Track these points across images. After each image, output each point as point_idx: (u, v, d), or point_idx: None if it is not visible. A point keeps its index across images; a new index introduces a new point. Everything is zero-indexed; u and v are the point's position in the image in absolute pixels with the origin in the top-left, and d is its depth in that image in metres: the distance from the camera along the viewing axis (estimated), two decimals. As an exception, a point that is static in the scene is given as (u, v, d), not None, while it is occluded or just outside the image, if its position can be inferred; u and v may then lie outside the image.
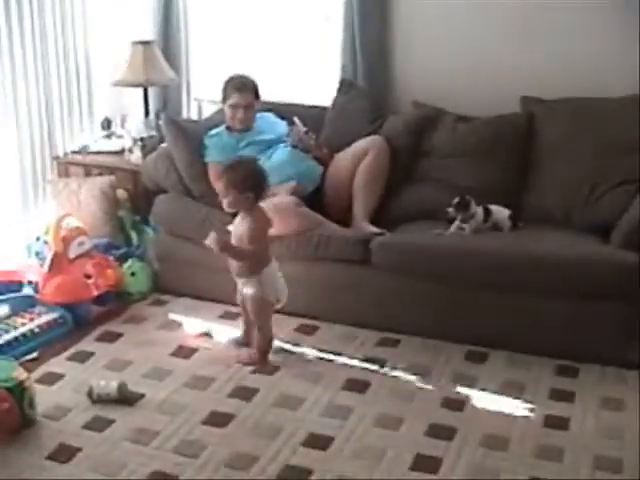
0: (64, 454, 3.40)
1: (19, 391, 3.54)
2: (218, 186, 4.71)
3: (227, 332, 4.45)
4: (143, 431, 3.56)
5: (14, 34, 5.01)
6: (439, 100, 5.00)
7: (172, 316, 4.65)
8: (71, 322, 4.45)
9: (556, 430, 3.55)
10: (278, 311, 4.25)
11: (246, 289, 4.07)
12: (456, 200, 4.43)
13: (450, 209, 4.43)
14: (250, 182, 4.00)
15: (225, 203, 4.05)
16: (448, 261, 4.25)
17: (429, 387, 3.91)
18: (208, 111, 5.82)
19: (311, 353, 4.23)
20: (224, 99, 4.92)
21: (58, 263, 4.57)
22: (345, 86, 5.22)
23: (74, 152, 5.57)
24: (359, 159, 4.73)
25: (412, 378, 3.98)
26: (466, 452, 3.40)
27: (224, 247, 3.96)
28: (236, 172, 4.02)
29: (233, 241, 4.05)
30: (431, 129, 4.93)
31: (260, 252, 4.03)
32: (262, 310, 4.08)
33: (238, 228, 4.06)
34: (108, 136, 5.75)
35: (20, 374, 3.60)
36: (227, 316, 4.62)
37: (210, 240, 3.93)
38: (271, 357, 4.17)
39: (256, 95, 4.92)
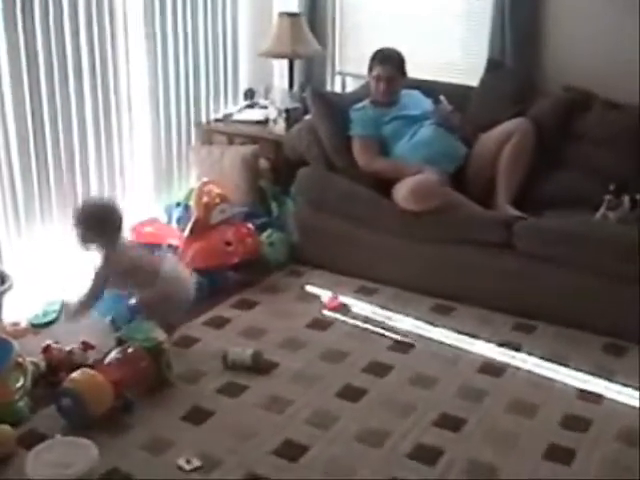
0: (198, 416, 3.47)
1: (157, 352, 3.62)
2: (362, 159, 4.74)
3: (363, 307, 4.44)
4: (276, 399, 3.59)
5: (167, 6, 5.10)
6: (589, 84, 4.86)
7: (309, 288, 4.67)
8: (207, 288, 4.49)
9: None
10: (413, 289, 4.24)
11: None
12: (612, 187, 4.30)
13: (607, 196, 4.30)
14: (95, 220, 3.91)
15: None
16: (594, 250, 4.12)
17: (565, 376, 3.82)
18: (352, 85, 5.81)
19: (446, 334, 4.18)
20: (369, 71, 4.91)
21: (199, 229, 4.63)
22: (493, 66, 5.12)
23: (217, 120, 5.64)
24: (504, 141, 4.65)
25: (548, 366, 3.90)
26: (601, 446, 3.31)
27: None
28: (79, 211, 3.97)
29: None
30: (580, 114, 4.80)
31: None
32: None
33: None
34: (251, 106, 5.80)
35: (159, 335, 3.68)
36: (363, 291, 4.62)
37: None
38: (405, 336, 4.15)
39: (401, 70, 4.89)
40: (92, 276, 3.89)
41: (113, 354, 3.59)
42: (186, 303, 4.04)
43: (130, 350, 3.58)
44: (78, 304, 3.89)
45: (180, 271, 4.12)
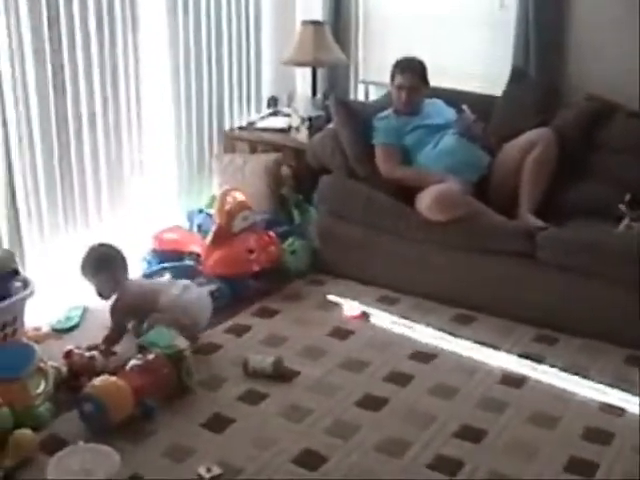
0: (218, 424, 3.47)
1: (178, 359, 3.63)
2: (384, 168, 4.74)
3: (385, 316, 4.44)
4: (296, 408, 3.59)
5: (190, 13, 5.13)
6: (612, 93, 4.83)
7: (330, 297, 4.66)
8: (228, 295, 4.50)
9: None
10: (435, 299, 4.24)
11: None
12: (628, 197, 4.28)
13: (621, 206, 4.28)
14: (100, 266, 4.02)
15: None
16: (618, 261, 4.09)
17: (587, 389, 3.79)
18: (375, 94, 5.81)
19: (467, 344, 4.17)
20: (391, 80, 4.91)
21: (221, 236, 4.62)
22: (516, 75, 5.11)
23: (240, 128, 5.65)
24: (527, 150, 4.63)
25: (570, 378, 3.87)
26: (623, 459, 3.28)
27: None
28: (86, 259, 4.05)
29: None
30: (603, 124, 4.77)
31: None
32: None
33: None
34: (274, 114, 5.82)
35: (180, 343, 3.69)
36: (385, 300, 4.61)
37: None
38: (426, 345, 4.14)
39: (424, 80, 4.89)
40: (110, 316, 4.00)
41: (134, 361, 3.59)
42: (194, 327, 4.03)
43: (151, 357, 3.58)
44: (104, 345, 3.92)
45: (186, 299, 4.06)
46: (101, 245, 4.12)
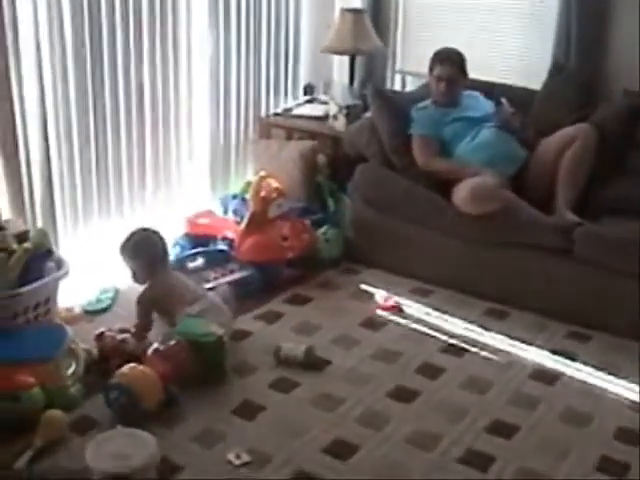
0: (249, 411, 3.46)
1: (217, 346, 3.64)
2: (421, 159, 4.71)
3: (418, 308, 4.42)
4: (328, 397, 3.58)
5: (231, 1, 5.13)
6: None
7: (363, 286, 4.64)
8: (260, 282, 4.49)
9: None
10: (468, 292, 4.25)
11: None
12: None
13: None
14: (139, 250, 3.98)
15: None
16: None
17: (620, 387, 3.75)
18: (412, 84, 5.78)
19: (500, 338, 4.14)
20: (430, 71, 4.88)
21: (256, 222, 4.61)
22: (557, 69, 5.05)
23: (276, 114, 5.64)
24: (566, 145, 4.57)
25: (603, 376, 3.83)
26: (655, 461, 3.25)
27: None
28: (127, 241, 4.01)
29: None
30: (643, 120, 4.72)
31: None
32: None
33: None
34: (310, 101, 5.80)
35: (217, 329, 3.68)
36: (418, 292, 4.58)
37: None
38: (459, 338, 4.13)
39: (462, 71, 4.85)
40: (137, 307, 3.94)
41: (155, 344, 3.60)
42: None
43: (173, 343, 3.57)
44: (134, 337, 3.85)
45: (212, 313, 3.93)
46: (145, 230, 4.08)
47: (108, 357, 3.70)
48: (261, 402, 3.53)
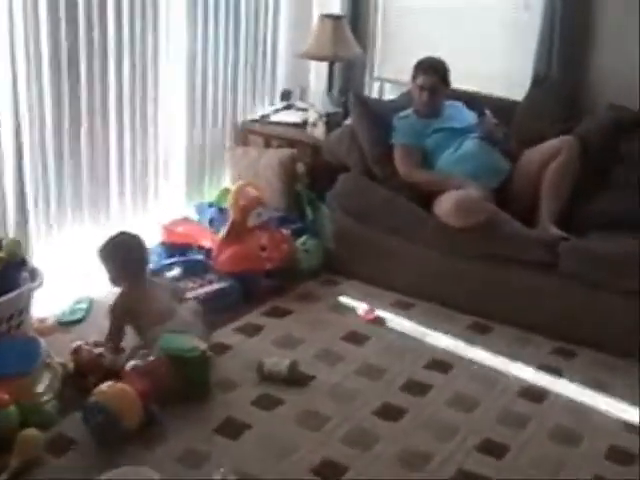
0: (233, 429, 3.36)
1: (202, 361, 3.54)
2: (403, 169, 4.64)
3: (400, 321, 4.34)
4: (314, 415, 3.48)
5: (209, 6, 5.05)
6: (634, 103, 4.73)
7: (343, 299, 4.55)
8: (239, 293, 4.39)
9: None
10: (450, 306, 4.22)
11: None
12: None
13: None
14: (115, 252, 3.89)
15: None
16: None
17: (608, 405, 3.70)
18: (390, 92, 5.71)
19: (483, 354, 4.07)
20: (412, 80, 4.81)
21: (235, 232, 4.52)
22: (539, 80, 5.01)
23: (253, 121, 5.54)
24: (550, 157, 4.52)
25: (591, 394, 3.78)
26: (646, 480, 3.20)
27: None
28: (105, 243, 3.92)
29: None
30: (627, 134, 4.67)
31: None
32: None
33: None
34: (287, 107, 5.71)
35: (200, 344, 3.57)
36: (400, 305, 4.50)
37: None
38: (443, 354, 4.05)
39: (445, 81, 4.78)
40: (109, 315, 3.82)
41: (133, 362, 3.47)
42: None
43: (151, 359, 3.45)
44: (106, 344, 3.74)
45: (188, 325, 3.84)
46: (124, 233, 3.98)
47: (85, 372, 3.56)
48: (245, 420, 3.41)
